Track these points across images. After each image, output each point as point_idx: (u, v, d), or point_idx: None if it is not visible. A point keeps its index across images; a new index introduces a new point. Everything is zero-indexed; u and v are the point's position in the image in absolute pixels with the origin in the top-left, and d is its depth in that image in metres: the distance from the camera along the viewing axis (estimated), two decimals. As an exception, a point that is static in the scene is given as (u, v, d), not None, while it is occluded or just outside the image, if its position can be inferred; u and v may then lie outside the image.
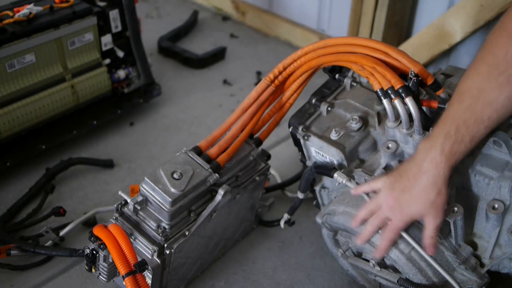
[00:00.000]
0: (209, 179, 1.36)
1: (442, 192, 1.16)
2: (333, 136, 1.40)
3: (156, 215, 1.33)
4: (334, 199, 1.43)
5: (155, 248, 1.30)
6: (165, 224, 1.32)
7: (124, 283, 1.24)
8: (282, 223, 1.60)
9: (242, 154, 1.48)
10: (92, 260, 1.31)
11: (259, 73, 2.52)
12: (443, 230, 1.22)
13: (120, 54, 2.11)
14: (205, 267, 1.60)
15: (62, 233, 1.66)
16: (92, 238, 1.28)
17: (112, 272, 1.32)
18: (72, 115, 2.04)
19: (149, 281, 1.34)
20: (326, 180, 1.52)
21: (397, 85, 1.26)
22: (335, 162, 1.40)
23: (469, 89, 1.13)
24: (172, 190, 1.30)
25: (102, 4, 2.03)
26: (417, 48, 2.22)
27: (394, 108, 1.29)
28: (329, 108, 1.47)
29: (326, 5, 2.59)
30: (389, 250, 1.26)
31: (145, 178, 1.31)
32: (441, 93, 1.32)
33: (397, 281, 1.28)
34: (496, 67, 1.09)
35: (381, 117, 1.40)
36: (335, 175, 1.36)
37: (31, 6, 1.84)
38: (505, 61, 1.08)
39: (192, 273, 1.54)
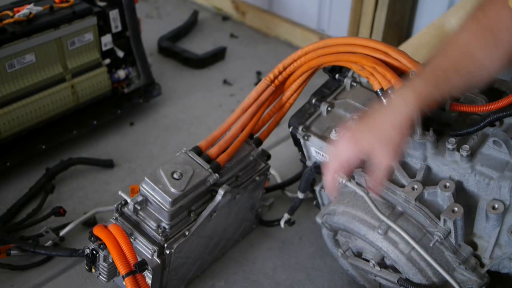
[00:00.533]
0: (209, 179, 1.36)
1: (404, 132, 1.13)
2: (333, 136, 1.39)
3: (156, 215, 1.33)
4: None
5: (155, 248, 1.30)
6: (165, 224, 1.32)
7: (124, 283, 1.24)
8: (282, 223, 1.60)
9: (242, 154, 1.48)
10: (92, 260, 1.31)
11: (259, 73, 2.52)
12: (443, 230, 1.22)
13: (120, 54, 2.11)
14: (205, 267, 1.60)
15: (62, 233, 1.66)
16: (92, 238, 1.28)
17: (112, 272, 1.32)
18: (72, 115, 2.03)
19: (149, 281, 1.34)
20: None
21: (397, 85, 1.26)
22: (335, 162, 1.40)
23: (456, 42, 1.12)
24: (172, 190, 1.30)
25: (102, 4, 2.02)
26: (417, 48, 2.21)
27: (394, 108, 1.28)
28: (329, 108, 1.47)
29: (326, 5, 2.59)
30: (333, 188, 1.24)
31: (145, 178, 1.31)
32: (441, 93, 1.32)
33: (397, 281, 1.28)
34: (487, 28, 1.08)
35: (381, 117, 1.40)
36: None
37: (31, 6, 1.84)
38: (496, 24, 1.07)
39: (192, 273, 1.54)
